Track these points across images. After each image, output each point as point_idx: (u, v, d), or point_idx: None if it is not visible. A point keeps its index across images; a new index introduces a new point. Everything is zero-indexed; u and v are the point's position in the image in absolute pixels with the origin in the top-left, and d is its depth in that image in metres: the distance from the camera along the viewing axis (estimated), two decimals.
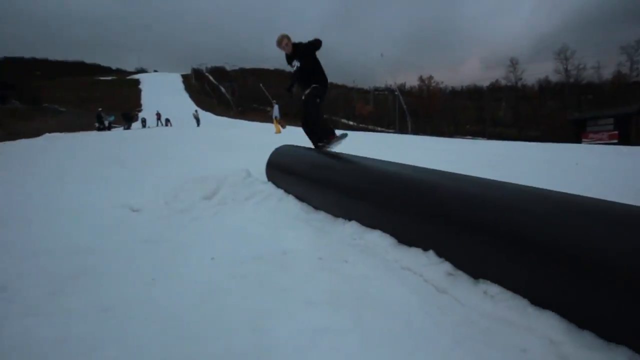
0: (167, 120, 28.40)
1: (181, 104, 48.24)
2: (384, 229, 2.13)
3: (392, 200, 2.12)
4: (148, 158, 6.78)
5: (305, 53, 3.56)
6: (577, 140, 25.68)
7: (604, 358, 1.14)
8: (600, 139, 25.13)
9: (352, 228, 2.34)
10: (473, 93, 65.90)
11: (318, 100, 3.59)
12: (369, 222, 2.27)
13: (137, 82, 71.39)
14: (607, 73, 45.83)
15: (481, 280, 1.59)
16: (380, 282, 1.75)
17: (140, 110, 42.70)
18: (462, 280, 1.64)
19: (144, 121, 27.84)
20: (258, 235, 2.48)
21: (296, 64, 3.61)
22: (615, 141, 23.87)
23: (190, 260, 2.06)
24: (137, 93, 61.19)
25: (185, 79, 75.50)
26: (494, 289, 1.51)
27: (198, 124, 26.02)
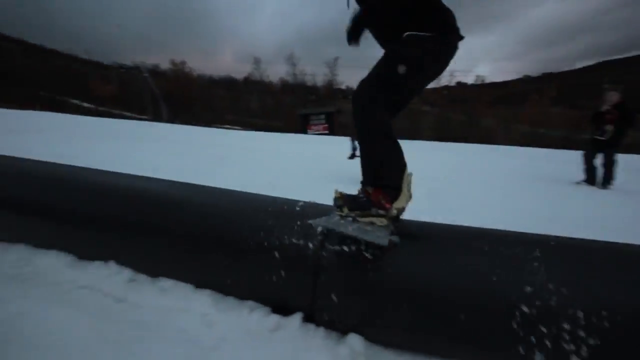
0: None
1: None
2: (61, 248, 1.83)
3: (69, 212, 1.84)
4: None
5: None
6: (305, 131, 33.24)
7: (238, 312, 1.52)
8: (318, 130, 33.73)
9: (16, 254, 1.86)
10: (230, 84, 69.85)
11: (406, 69, 1.42)
12: (43, 242, 1.88)
13: None
14: (321, 80, 61.93)
15: (160, 278, 1.69)
16: (42, 315, 1.48)
17: None
18: (143, 283, 1.69)
19: None
20: None
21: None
22: (327, 132, 32.91)
23: None
24: None
25: None
26: (167, 283, 1.65)
27: None
